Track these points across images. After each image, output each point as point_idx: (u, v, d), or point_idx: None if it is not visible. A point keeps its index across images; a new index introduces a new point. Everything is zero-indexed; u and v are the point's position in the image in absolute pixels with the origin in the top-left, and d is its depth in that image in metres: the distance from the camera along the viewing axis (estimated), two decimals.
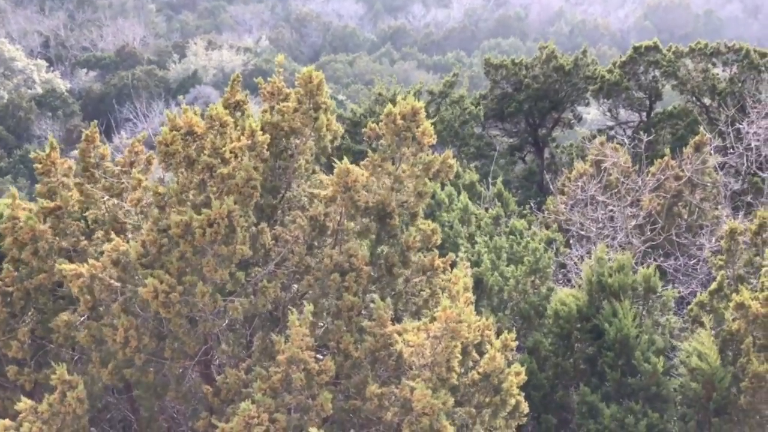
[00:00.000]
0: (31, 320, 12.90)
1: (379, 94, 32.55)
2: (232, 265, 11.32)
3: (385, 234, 12.50)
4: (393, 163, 12.27)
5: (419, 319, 12.42)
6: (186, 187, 11.53)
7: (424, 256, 12.84)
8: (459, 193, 20.80)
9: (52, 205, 12.98)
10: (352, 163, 12.15)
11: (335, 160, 12.16)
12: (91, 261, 11.58)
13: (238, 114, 12.75)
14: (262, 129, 12.14)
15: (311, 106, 12.47)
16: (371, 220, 12.32)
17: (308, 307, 10.94)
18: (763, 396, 14.63)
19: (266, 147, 11.93)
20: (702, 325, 16.01)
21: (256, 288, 11.87)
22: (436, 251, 12.99)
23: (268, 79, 13.28)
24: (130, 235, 12.61)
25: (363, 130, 13.15)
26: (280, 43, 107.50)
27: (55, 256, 12.61)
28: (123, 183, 13.11)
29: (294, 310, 11.14)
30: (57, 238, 12.77)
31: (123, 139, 58.59)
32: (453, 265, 13.25)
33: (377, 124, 12.49)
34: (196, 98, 74.42)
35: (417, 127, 12.14)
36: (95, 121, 14.07)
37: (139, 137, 13.70)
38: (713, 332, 15.90)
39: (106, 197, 12.97)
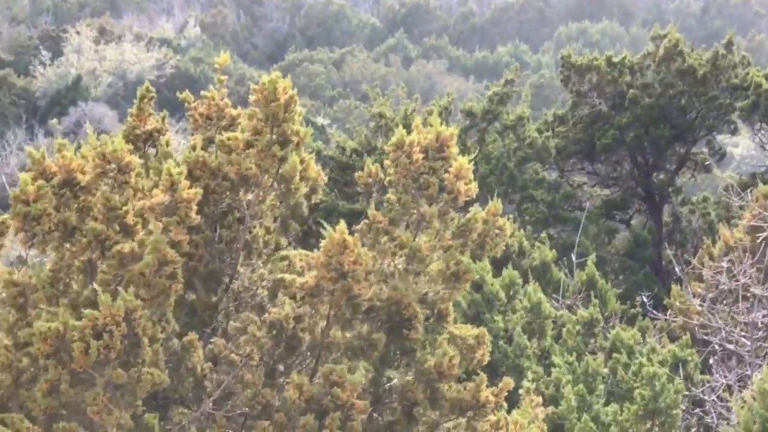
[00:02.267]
0: None
1: (381, 116, 32.36)
2: (136, 401, 11.19)
3: (397, 352, 12.53)
4: (408, 229, 12.26)
5: None
6: (62, 274, 11.47)
7: (463, 387, 12.80)
8: (524, 282, 20.84)
9: None
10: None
11: (322, 224, 12.08)
12: None
13: (152, 151, 12.69)
14: (190, 174, 12.10)
15: (275, 138, 12.45)
16: (376, 330, 12.29)
17: None
18: None
19: (195, 208, 11.86)
20: None
21: None
22: (483, 375, 12.91)
23: (203, 92, 13.25)
24: None
25: (357, 175, 13.28)
26: (218, 31, 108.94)
27: None
28: None
29: None
30: None
31: None
32: (513, 399, 13.20)
33: (379, 164, 12.58)
34: (79, 123, 74.93)
35: (446, 169, 12.22)
36: None
37: None
38: None
39: None
